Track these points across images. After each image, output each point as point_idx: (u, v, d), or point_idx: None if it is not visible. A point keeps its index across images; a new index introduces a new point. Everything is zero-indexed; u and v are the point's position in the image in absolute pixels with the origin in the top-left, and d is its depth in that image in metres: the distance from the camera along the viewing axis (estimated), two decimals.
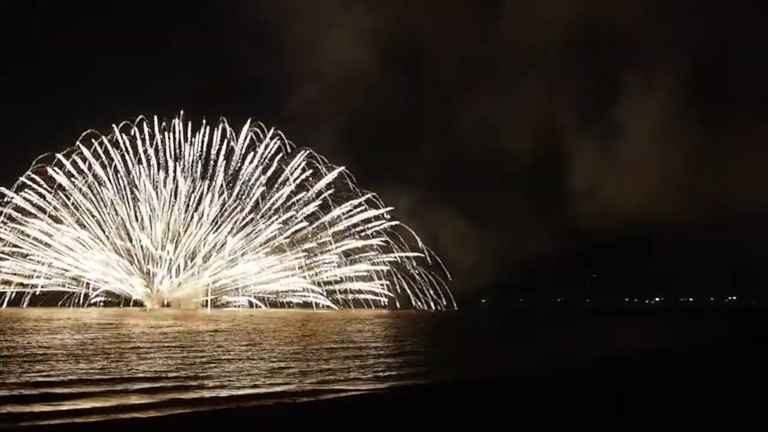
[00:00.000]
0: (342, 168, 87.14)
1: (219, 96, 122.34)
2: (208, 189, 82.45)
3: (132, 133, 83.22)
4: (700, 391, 14.94)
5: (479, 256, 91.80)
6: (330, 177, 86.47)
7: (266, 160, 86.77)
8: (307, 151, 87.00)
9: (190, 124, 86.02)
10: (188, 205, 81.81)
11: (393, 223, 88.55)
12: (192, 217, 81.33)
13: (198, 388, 15.02)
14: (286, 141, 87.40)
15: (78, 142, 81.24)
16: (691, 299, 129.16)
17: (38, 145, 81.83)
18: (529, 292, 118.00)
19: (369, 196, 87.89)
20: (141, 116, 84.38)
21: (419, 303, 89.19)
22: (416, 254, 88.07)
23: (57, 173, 78.99)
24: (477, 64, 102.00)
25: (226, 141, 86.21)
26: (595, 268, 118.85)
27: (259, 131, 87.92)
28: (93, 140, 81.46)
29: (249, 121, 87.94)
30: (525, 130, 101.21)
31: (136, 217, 79.97)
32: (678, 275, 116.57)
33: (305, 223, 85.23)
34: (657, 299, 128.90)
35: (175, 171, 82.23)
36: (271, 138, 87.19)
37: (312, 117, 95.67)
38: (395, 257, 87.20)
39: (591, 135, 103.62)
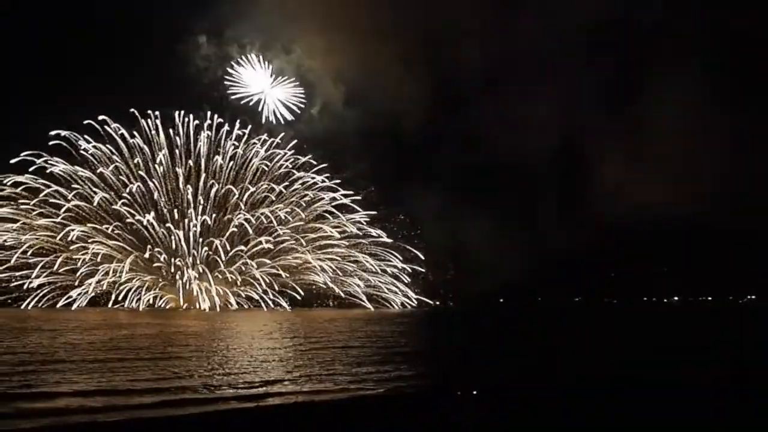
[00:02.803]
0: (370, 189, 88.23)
1: None
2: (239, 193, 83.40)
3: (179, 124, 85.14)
4: None
5: (499, 255, 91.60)
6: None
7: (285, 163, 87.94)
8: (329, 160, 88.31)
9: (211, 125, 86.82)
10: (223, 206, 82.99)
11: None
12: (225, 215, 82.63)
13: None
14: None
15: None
16: (709, 298, 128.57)
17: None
18: (548, 290, 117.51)
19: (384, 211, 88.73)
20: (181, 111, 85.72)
21: (437, 302, 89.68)
22: (432, 254, 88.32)
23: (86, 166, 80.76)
24: (498, 62, 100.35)
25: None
26: (614, 267, 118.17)
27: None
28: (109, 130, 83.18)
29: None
30: (548, 128, 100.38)
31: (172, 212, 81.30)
32: (696, 274, 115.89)
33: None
34: (675, 298, 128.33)
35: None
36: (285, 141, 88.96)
37: (333, 117, 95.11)
38: (419, 255, 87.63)
39: (615, 133, 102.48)
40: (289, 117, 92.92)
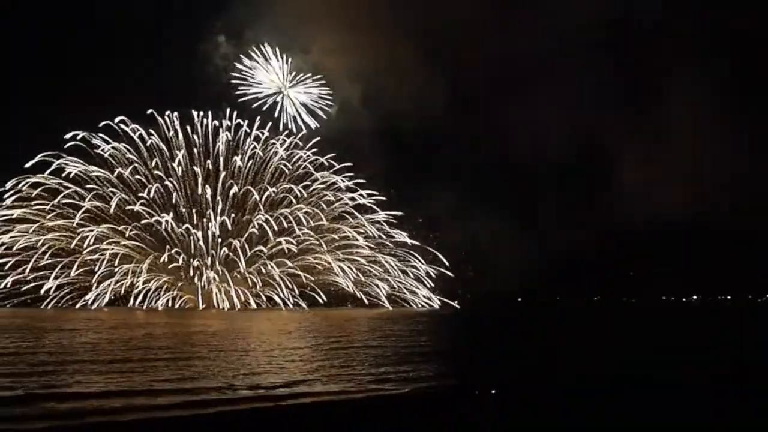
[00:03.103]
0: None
1: None
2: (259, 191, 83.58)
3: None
4: None
5: (517, 255, 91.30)
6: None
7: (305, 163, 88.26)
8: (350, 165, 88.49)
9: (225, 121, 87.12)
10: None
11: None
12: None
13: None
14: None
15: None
16: (728, 297, 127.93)
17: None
18: (566, 290, 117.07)
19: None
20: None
21: (456, 302, 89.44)
22: (446, 253, 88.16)
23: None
24: (517, 62, 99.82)
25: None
26: (633, 266, 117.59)
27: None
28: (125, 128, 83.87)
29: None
30: (567, 127, 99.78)
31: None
32: (715, 273, 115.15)
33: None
34: (694, 297, 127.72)
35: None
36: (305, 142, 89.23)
37: (351, 116, 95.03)
38: (438, 256, 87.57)
39: (634, 133, 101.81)
40: (313, 123, 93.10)
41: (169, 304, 79.69)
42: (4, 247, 76.26)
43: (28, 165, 79.37)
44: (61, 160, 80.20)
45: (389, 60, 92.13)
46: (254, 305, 79.30)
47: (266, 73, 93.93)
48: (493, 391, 15.25)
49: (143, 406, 13.34)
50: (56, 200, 78.23)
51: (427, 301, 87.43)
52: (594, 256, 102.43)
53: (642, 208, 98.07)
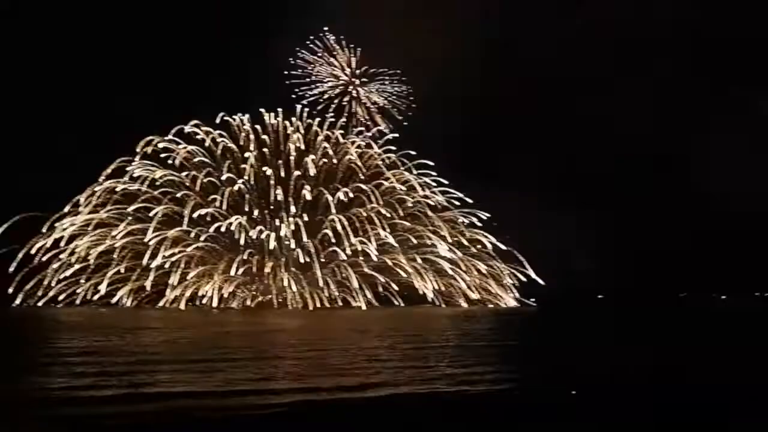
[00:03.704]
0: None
1: None
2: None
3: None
4: None
5: (598, 251, 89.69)
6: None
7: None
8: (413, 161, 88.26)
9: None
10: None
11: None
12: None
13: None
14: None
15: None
16: None
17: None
18: (651, 287, 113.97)
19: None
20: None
21: (533, 300, 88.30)
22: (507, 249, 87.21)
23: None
24: (590, 57, 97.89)
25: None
26: (723, 261, 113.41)
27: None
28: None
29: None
30: (642, 124, 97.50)
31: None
32: None
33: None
34: None
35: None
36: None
37: (422, 112, 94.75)
38: (514, 253, 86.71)
39: (711, 131, 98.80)
40: (385, 128, 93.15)
41: (245, 303, 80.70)
42: (83, 251, 78.43)
43: (106, 172, 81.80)
44: (135, 164, 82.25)
45: (461, 54, 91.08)
46: (328, 305, 79.53)
47: (337, 71, 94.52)
48: (574, 392, 14.81)
49: (226, 406, 13.18)
50: (132, 206, 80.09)
51: (505, 300, 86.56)
52: (680, 250, 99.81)
53: (731, 201, 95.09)
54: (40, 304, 76.86)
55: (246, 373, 17.63)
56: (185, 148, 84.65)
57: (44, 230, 78.70)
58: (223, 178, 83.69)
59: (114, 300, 77.81)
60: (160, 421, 11.87)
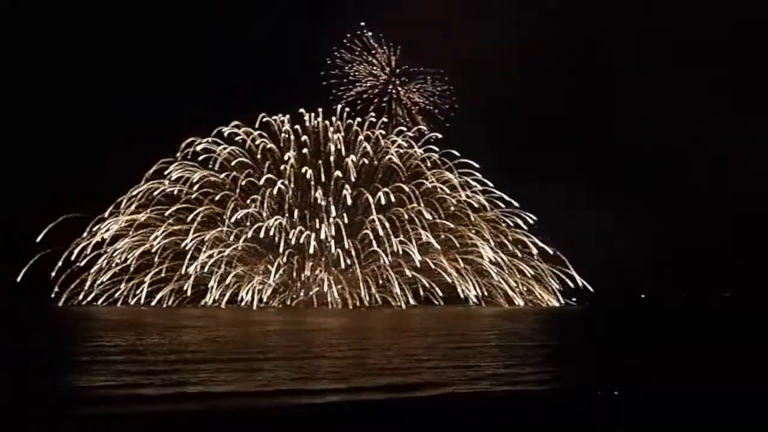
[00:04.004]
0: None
1: None
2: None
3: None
4: None
5: (637, 250, 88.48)
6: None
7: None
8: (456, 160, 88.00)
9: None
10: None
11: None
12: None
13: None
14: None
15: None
16: None
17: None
18: (690, 284, 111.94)
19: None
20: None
21: (573, 299, 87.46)
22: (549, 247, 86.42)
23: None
24: (645, 52, 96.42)
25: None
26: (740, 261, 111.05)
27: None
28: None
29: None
30: (682, 120, 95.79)
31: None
32: None
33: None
34: None
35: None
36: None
37: (458, 104, 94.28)
38: (554, 252, 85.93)
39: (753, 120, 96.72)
40: (426, 129, 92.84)
41: (285, 303, 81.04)
42: (124, 252, 79.51)
43: (148, 173, 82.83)
44: (175, 166, 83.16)
45: (499, 48, 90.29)
46: (368, 304, 79.49)
47: (376, 70, 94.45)
48: (616, 392, 14.50)
49: (268, 406, 13.02)
50: (173, 208, 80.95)
51: (547, 300, 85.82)
52: (725, 249, 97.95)
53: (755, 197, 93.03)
54: (82, 303, 78.00)
55: (287, 372, 17.49)
56: (226, 149, 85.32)
57: (87, 231, 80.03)
58: (263, 179, 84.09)
59: (155, 300, 78.72)
60: (201, 421, 11.77)
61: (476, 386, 15.54)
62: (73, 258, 78.68)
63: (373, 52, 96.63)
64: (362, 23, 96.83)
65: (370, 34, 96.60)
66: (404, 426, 11.72)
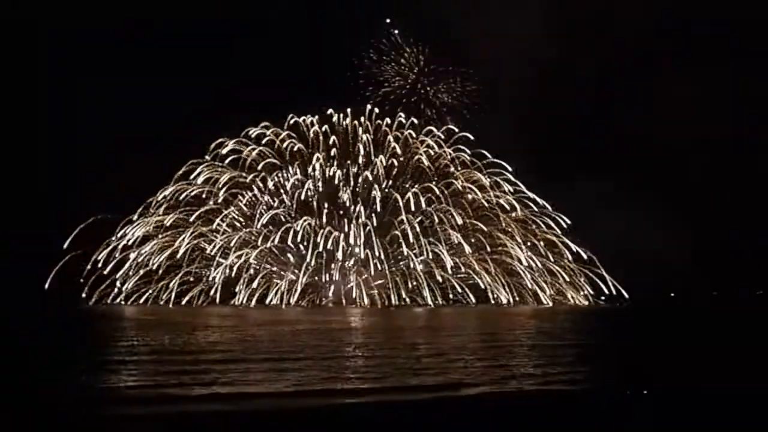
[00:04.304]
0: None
1: None
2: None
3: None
4: None
5: (671, 248, 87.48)
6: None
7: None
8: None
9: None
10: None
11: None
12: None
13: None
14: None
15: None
16: None
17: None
18: (725, 284, 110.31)
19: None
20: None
21: (606, 298, 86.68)
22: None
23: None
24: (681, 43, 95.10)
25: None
26: None
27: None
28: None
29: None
30: (728, 115, 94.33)
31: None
32: None
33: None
34: None
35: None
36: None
37: (488, 104, 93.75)
38: (585, 251, 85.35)
39: None
40: (455, 128, 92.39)
41: (314, 302, 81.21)
42: (154, 253, 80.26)
43: (176, 174, 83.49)
44: (203, 167, 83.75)
45: (531, 43, 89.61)
46: (396, 303, 79.46)
47: (405, 70, 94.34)
48: (646, 392, 14.34)
49: (298, 407, 12.94)
50: (201, 209, 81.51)
51: (577, 299, 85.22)
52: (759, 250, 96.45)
53: None
54: (112, 304, 78.76)
55: (318, 371, 17.42)
56: (254, 150, 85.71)
57: (116, 232, 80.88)
58: (292, 180, 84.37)
59: (185, 300, 79.33)
60: (231, 422, 11.73)
61: (505, 386, 15.44)
62: (102, 259, 79.70)
63: (401, 51, 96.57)
64: (390, 22, 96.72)
65: (397, 32, 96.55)
66: (433, 427, 11.60)
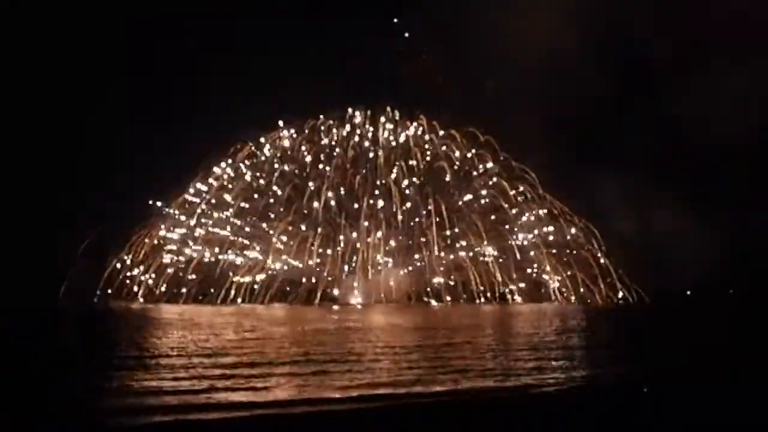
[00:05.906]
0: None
1: None
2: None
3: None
4: None
5: (688, 246, 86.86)
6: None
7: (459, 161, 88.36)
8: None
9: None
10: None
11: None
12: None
13: None
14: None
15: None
16: None
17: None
18: (744, 283, 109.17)
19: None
20: None
21: (623, 297, 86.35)
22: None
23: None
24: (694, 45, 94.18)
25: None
26: None
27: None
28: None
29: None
30: (745, 114, 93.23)
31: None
32: None
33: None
34: None
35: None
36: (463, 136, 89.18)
37: (507, 105, 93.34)
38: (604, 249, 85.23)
39: None
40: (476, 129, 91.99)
41: (337, 301, 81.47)
42: (178, 254, 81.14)
43: (199, 175, 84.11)
44: (225, 166, 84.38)
45: (551, 42, 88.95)
46: (420, 301, 79.76)
47: (427, 71, 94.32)
48: (645, 390, 14.62)
49: (324, 411, 12.99)
50: (223, 213, 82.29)
51: (595, 297, 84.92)
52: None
53: None
54: (136, 302, 79.44)
55: (349, 375, 17.41)
56: (275, 149, 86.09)
57: (142, 233, 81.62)
58: (314, 179, 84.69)
59: (209, 299, 79.90)
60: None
61: (517, 382, 15.78)
62: (126, 258, 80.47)
63: (423, 50, 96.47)
64: (397, 21, 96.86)
65: (419, 33, 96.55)
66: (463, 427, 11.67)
